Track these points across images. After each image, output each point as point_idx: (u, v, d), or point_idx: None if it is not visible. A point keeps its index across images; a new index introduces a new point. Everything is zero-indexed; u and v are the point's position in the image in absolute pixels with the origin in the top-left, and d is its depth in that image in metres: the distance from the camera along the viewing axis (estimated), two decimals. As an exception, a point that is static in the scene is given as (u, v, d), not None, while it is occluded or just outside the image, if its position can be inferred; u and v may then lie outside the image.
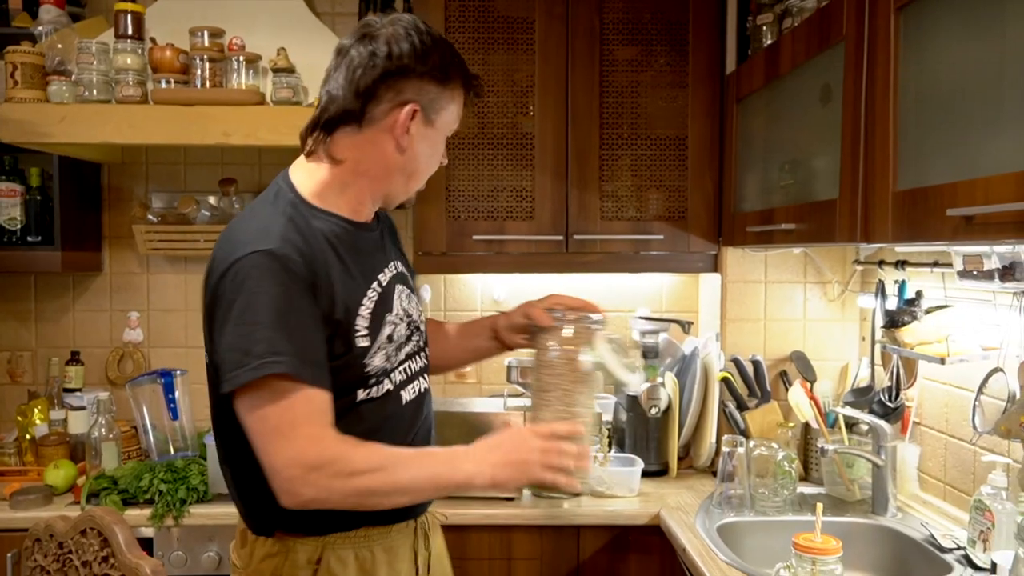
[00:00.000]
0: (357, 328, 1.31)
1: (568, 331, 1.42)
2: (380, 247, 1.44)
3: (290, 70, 2.20)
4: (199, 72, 2.15)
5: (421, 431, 1.46)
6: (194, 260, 2.65)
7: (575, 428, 1.32)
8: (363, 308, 1.33)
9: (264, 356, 1.17)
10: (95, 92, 2.12)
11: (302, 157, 1.38)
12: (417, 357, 1.46)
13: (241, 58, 2.17)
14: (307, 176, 1.36)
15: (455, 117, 1.40)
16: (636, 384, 1.64)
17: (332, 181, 1.35)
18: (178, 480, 2.10)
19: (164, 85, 2.14)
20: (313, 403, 1.22)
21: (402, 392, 1.40)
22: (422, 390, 1.46)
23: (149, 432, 2.30)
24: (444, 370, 1.77)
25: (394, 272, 1.43)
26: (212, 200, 2.56)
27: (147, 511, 2.05)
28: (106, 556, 1.18)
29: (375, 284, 1.37)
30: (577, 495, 1.40)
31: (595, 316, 1.46)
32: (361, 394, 1.33)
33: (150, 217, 2.51)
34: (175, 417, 2.31)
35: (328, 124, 1.32)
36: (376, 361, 1.34)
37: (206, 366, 1.35)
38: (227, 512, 2.06)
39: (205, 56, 2.15)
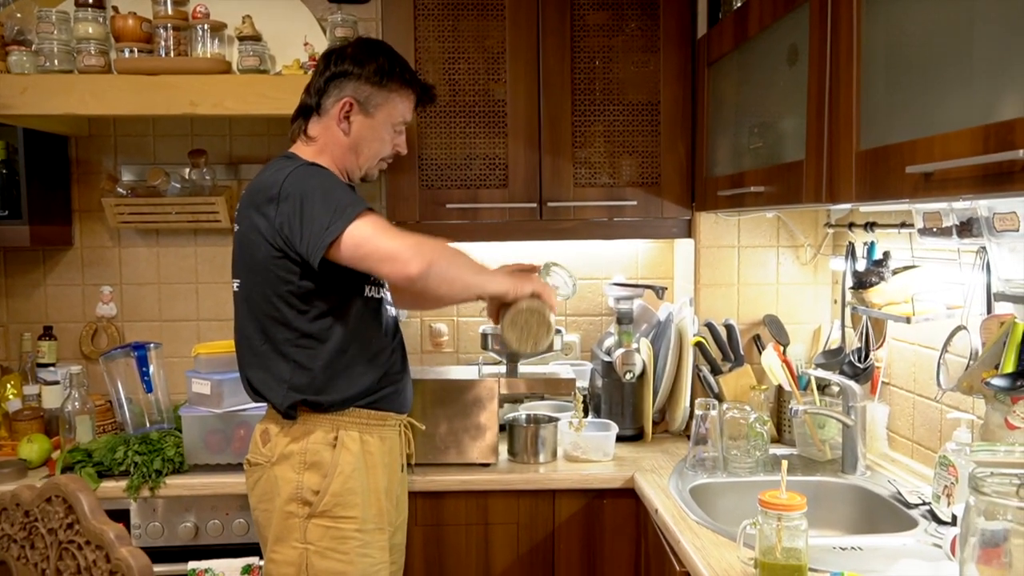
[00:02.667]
0: None
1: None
2: None
3: (256, 38, 2.17)
4: (163, 41, 2.11)
5: (400, 344, 1.87)
6: (166, 233, 2.63)
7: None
8: None
9: (352, 205, 1.59)
10: (56, 62, 2.08)
11: (295, 145, 1.81)
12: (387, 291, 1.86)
13: (206, 26, 2.14)
14: (303, 155, 1.76)
15: (398, 112, 1.81)
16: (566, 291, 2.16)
17: (314, 157, 1.77)
18: (153, 452, 2.10)
19: (127, 54, 2.11)
20: (387, 222, 1.64)
21: (388, 307, 1.83)
22: (396, 314, 1.87)
23: (124, 406, 2.29)
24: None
25: None
26: (187, 173, 2.53)
27: (122, 483, 2.05)
28: (71, 523, 1.18)
29: None
30: (548, 350, 1.86)
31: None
32: (367, 289, 1.73)
33: (119, 190, 2.48)
34: (149, 390, 2.30)
35: (302, 112, 1.80)
36: None
37: (238, 291, 1.79)
38: (203, 483, 2.07)
39: (169, 24, 2.11)
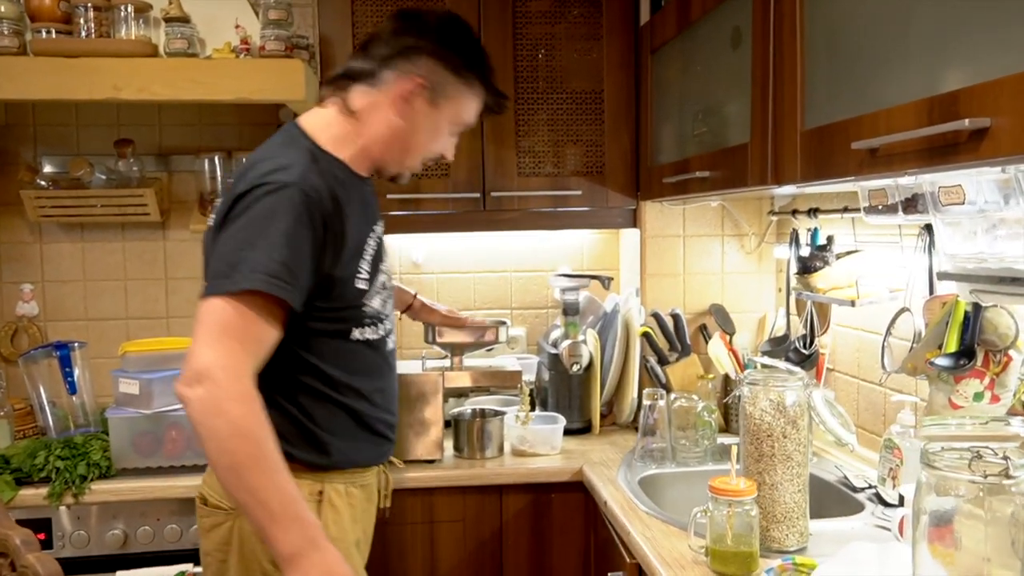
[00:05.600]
0: (359, 271, 1.46)
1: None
2: (375, 204, 1.60)
3: (184, 20, 2.07)
4: (83, 22, 2.00)
5: (397, 382, 1.63)
6: (91, 228, 2.50)
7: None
8: (366, 253, 1.48)
9: (255, 270, 1.26)
10: (-34, 43, 1.95)
11: (313, 110, 1.52)
12: (393, 315, 1.63)
13: (130, 7, 2.03)
14: (322, 127, 1.48)
15: (464, 111, 1.53)
16: (854, 442, 1.86)
17: (343, 134, 1.48)
18: (77, 456, 1.98)
19: (44, 35, 1.98)
20: (264, 337, 1.30)
21: (387, 340, 1.57)
22: (395, 345, 1.63)
23: (46, 409, 2.17)
24: None
25: (383, 230, 1.60)
26: (113, 164, 2.41)
27: (43, 490, 1.93)
28: (-27, 530, 1.09)
29: (373, 233, 1.53)
30: None
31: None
32: (356, 333, 1.48)
33: (40, 182, 2.35)
34: (73, 392, 2.18)
35: (349, 74, 1.49)
36: (374, 303, 1.50)
37: None
38: (132, 487, 1.96)
39: (89, 4, 1.99)
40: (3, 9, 1.95)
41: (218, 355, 1.23)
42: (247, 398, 1.24)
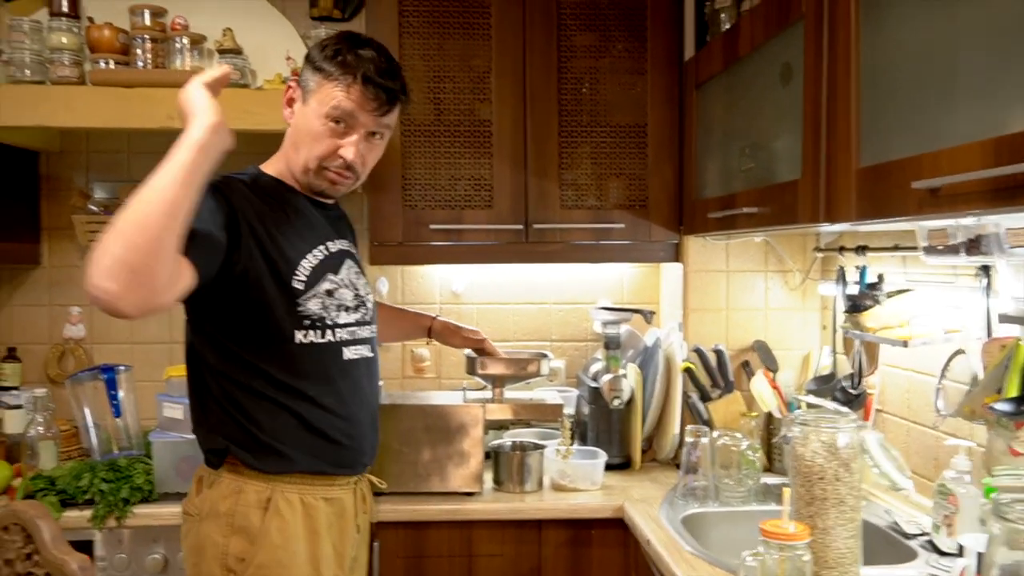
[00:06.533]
0: (296, 273, 1.55)
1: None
2: (334, 225, 1.70)
3: (237, 51, 2.12)
4: (140, 53, 2.05)
5: (368, 393, 1.68)
6: (139, 253, 2.54)
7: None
8: (305, 260, 1.57)
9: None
10: (28, 73, 2.01)
11: None
12: (364, 328, 1.67)
13: (185, 39, 2.08)
14: (273, 157, 1.68)
15: (325, 100, 1.55)
16: (910, 487, 1.81)
17: (272, 161, 1.67)
18: (120, 479, 1.99)
19: (103, 66, 2.04)
20: None
21: (344, 349, 1.61)
22: (366, 356, 1.67)
23: (91, 431, 2.19)
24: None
25: (345, 248, 1.69)
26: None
27: (87, 512, 1.95)
28: (30, 553, 1.10)
29: (322, 246, 1.62)
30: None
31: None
32: (299, 335, 1.55)
33: (91, 207, 2.40)
34: (118, 415, 2.20)
35: None
36: (311, 306, 1.56)
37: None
38: (173, 512, 1.96)
39: (146, 36, 2.05)
40: (65, 41, 2.01)
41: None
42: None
